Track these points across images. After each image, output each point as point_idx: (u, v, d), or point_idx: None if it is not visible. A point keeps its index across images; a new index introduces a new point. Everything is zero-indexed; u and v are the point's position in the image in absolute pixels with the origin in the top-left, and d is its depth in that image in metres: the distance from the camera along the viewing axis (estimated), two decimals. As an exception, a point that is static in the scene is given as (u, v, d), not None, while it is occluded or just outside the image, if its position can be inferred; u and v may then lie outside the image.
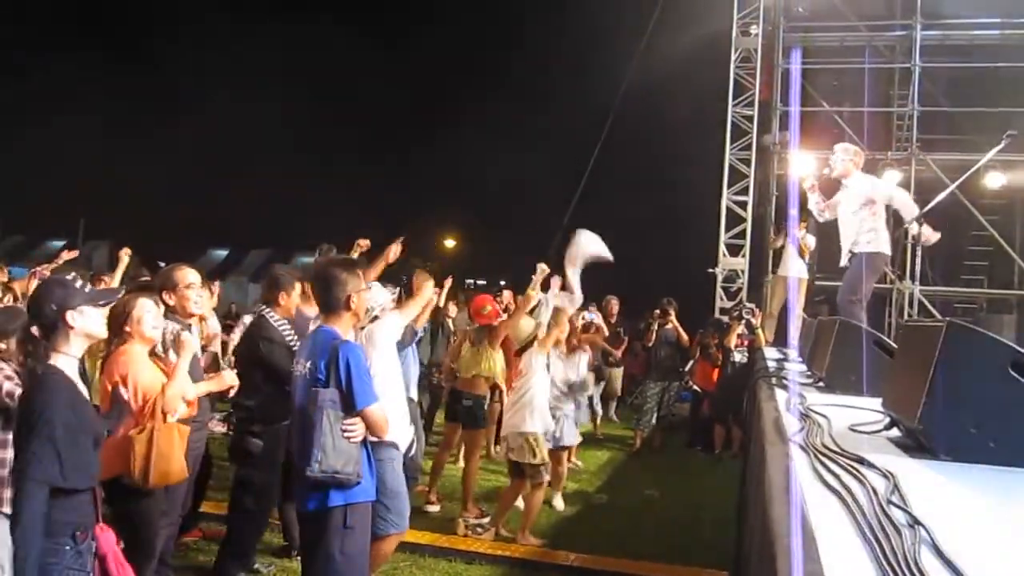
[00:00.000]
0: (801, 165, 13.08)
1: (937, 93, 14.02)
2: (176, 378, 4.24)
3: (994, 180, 13.12)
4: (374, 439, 3.98)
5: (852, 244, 6.84)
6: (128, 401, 4.03)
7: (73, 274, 3.32)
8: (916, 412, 2.56)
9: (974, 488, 2.15)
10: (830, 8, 14.11)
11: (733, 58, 14.60)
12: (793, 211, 9.91)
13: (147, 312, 4.25)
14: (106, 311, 3.33)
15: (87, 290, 3.23)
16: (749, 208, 14.46)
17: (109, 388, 4.09)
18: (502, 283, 11.95)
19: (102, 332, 3.30)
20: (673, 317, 11.34)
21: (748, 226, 14.47)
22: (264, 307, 5.58)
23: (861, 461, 2.18)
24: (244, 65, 37.01)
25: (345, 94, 39.98)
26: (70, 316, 3.11)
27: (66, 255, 8.21)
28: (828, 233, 10.88)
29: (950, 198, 9.59)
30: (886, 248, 6.85)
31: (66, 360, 3.13)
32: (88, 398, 3.26)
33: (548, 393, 6.89)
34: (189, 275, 4.99)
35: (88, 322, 3.16)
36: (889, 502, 1.79)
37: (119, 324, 4.16)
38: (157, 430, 4.05)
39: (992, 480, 2.26)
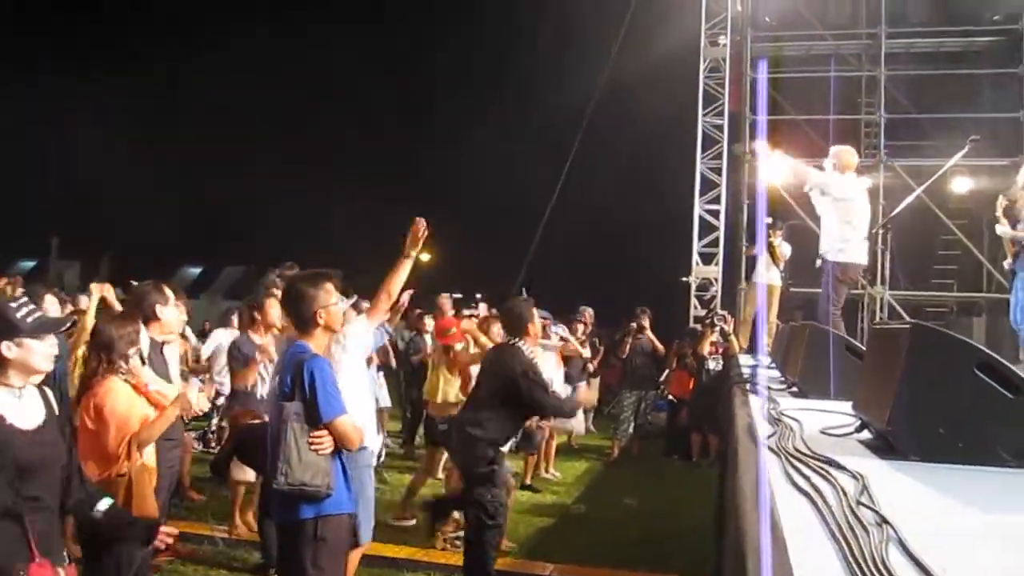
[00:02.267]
0: (772, 171, 13.25)
1: (904, 100, 14.22)
2: (155, 427, 4.17)
3: (961, 185, 13.31)
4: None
5: (824, 251, 6.90)
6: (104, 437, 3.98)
7: (24, 299, 3.20)
8: (885, 414, 2.59)
9: (942, 488, 2.17)
10: (796, 18, 14.29)
11: (702, 68, 14.74)
12: (767, 219, 9.99)
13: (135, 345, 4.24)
14: (52, 340, 3.08)
15: (30, 319, 2.99)
16: (722, 217, 14.57)
17: (86, 420, 4.04)
18: (478, 296, 11.94)
19: (44, 366, 3.04)
20: (647, 328, 11.37)
21: (720, 234, 14.58)
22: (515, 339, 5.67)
23: (831, 463, 2.20)
24: (216, 82, 36.81)
25: (316, 112, 39.89)
26: (5, 347, 2.91)
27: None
28: (803, 241, 11.01)
29: (919, 203, 9.76)
30: (855, 258, 6.88)
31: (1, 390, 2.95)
32: (42, 425, 3.03)
33: None
34: (164, 293, 4.98)
35: (27, 354, 2.95)
36: (858, 502, 1.81)
37: (105, 350, 4.12)
38: (133, 474, 3.99)
39: (960, 480, 2.29)
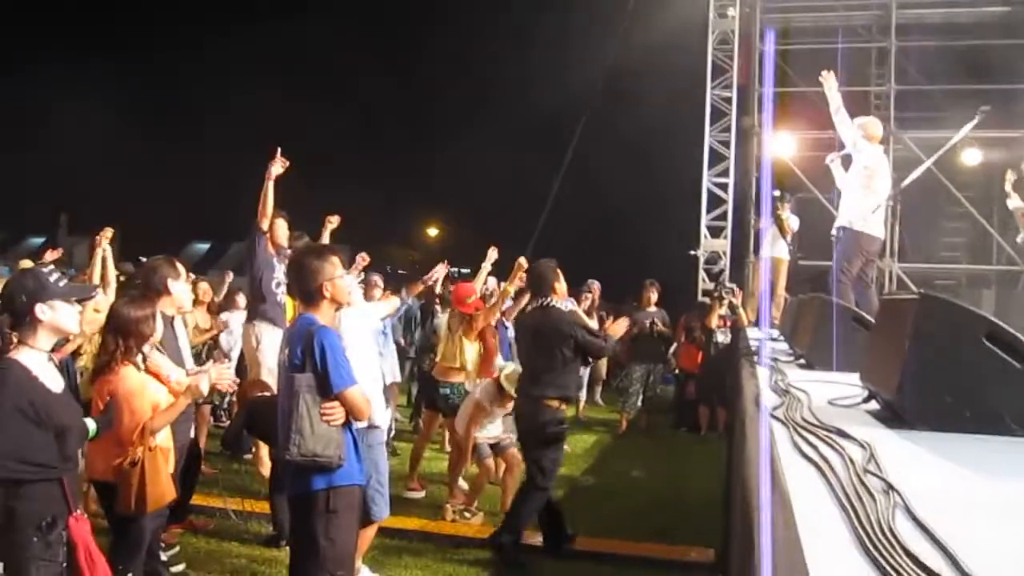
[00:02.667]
0: (779, 146, 13.20)
1: (913, 71, 14.10)
2: (167, 414, 4.19)
3: (971, 157, 13.22)
4: (361, 424, 4.01)
5: (847, 221, 6.84)
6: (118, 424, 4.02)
7: (51, 267, 3.33)
8: (893, 384, 2.59)
9: (949, 456, 2.18)
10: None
11: (711, 40, 14.61)
12: (775, 192, 9.95)
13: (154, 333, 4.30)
14: (78, 307, 3.30)
15: (62, 285, 3.21)
16: (730, 189, 14.51)
17: (100, 404, 4.08)
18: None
19: (73, 328, 3.28)
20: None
21: (729, 208, 14.53)
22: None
23: (838, 432, 2.21)
24: (221, 61, 36.71)
25: (326, 88, 39.79)
26: (39, 309, 3.09)
27: (50, 254, 8.03)
28: (812, 214, 10.95)
29: (928, 175, 9.70)
30: (874, 231, 6.83)
31: (30, 353, 3.12)
32: (64, 390, 3.26)
33: None
34: (176, 268, 5.01)
35: (59, 316, 3.15)
36: (865, 470, 1.82)
37: (123, 334, 4.15)
38: (146, 460, 4.02)
39: (967, 448, 2.30)
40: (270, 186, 6.53)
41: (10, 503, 3.00)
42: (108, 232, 6.58)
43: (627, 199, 28.46)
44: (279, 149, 6.55)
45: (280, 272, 6.63)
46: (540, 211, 16.99)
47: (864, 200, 6.76)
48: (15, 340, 3.10)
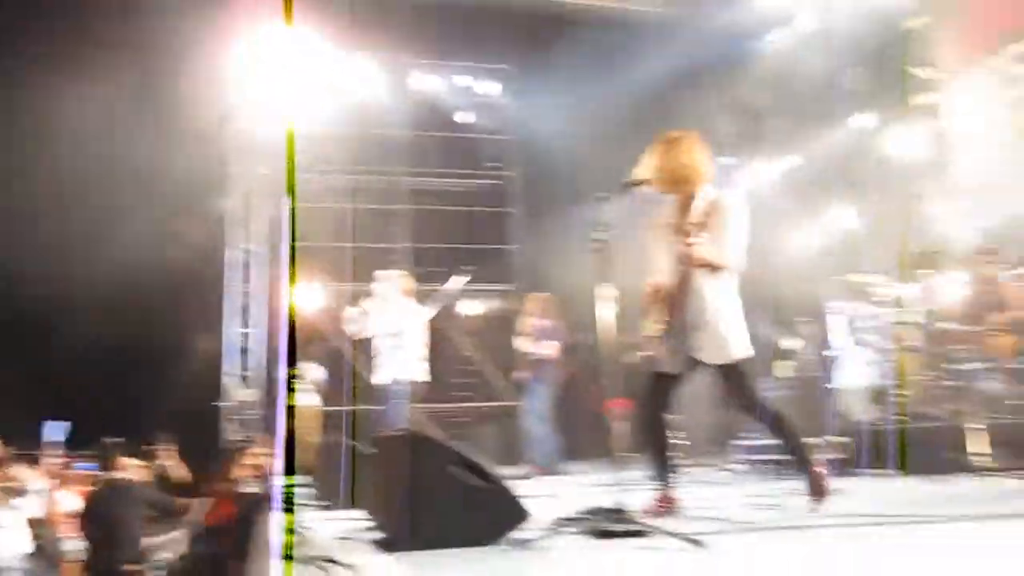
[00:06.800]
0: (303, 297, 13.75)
1: (422, 231, 15.79)
2: None
3: (471, 307, 15.08)
4: None
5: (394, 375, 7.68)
6: None
7: None
8: (384, 511, 2.96)
9: (427, 572, 2.54)
10: (316, 157, 15.29)
11: (234, 192, 14.96)
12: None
13: None
14: None
15: None
16: (256, 338, 14.67)
17: None
18: None
19: None
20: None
21: (258, 356, 14.61)
22: None
23: (331, 560, 2.48)
24: None
25: None
26: None
27: None
28: (338, 363, 11.49)
29: (441, 325, 10.84)
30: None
31: None
32: None
33: None
34: None
35: None
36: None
37: None
38: None
39: (445, 561, 2.70)
40: None
41: None
42: None
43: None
44: None
45: None
46: None
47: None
48: None
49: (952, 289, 6.04)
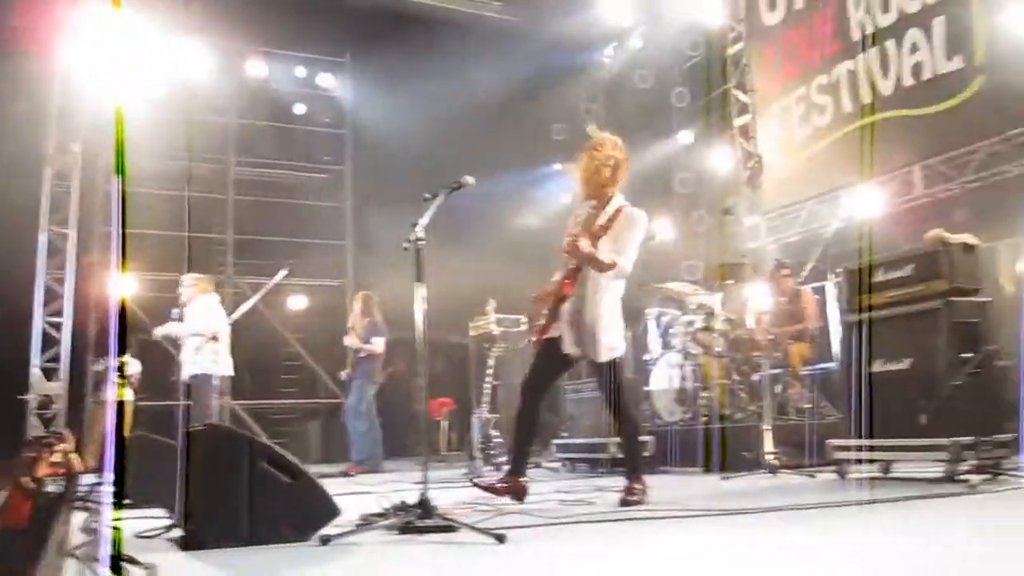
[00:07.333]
0: (124, 285, 13.04)
1: (250, 222, 15.31)
2: None
3: (298, 302, 14.77)
4: None
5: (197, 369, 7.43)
6: None
7: None
8: (185, 508, 2.87)
9: (229, 570, 2.50)
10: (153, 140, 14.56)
11: (47, 175, 13.99)
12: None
13: None
14: None
15: None
16: (65, 329, 13.77)
17: None
18: None
19: None
20: None
21: (65, 348, 13.75)
22: None
23: (130, 560, 2.39)
24: None
25: None
26: None
27: None
28: (155, 356, 11.01)
29: (264, 319, 10.58)
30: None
31: None
32: None
33: None
34: None
35: None
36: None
37: None
38: None
39: (245, 559, 2.66)
40: None
41: None
42: None
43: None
44: None
45: None
46: None
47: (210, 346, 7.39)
48: None
49: (755, 300, 6.49)
